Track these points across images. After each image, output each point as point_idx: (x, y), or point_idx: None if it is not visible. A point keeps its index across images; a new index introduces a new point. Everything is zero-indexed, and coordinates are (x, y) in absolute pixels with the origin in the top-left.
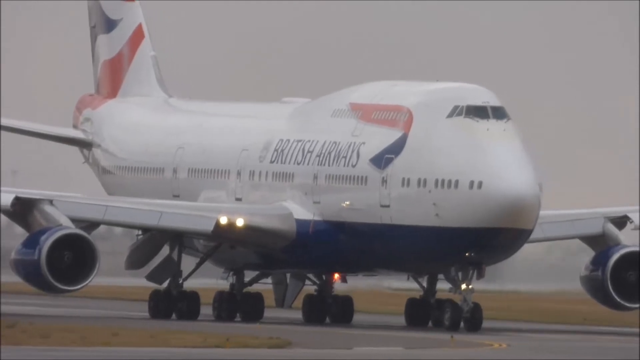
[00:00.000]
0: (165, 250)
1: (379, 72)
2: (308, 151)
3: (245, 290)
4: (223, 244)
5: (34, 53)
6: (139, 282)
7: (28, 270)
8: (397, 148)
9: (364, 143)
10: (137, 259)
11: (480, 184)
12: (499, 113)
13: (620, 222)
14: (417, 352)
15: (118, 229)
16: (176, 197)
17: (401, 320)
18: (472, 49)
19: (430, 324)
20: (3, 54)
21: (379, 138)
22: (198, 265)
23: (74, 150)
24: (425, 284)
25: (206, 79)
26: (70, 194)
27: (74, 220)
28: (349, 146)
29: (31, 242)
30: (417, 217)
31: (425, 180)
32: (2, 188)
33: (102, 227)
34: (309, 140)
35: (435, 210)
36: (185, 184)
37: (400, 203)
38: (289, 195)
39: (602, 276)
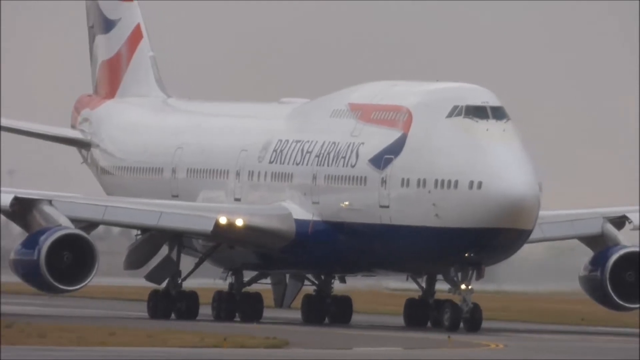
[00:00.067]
0: (164, 250)
1: (379, 72)
2: (307, 151)
3: (244, 290)
4: (222, 244)
5: (34, 53)
6: (138, 282)
7: (27, 271)
8: (396, 148)
9: (363, 143)
10: (136, 259)
11: (479, 184)
12: (498, 113)
13: (619, 222)
14: (416, 352)
15: (115, 229)
16: (175, 197)
17: (400, 320)
18: (472, 49)
19: (429, 324)
20: (3, 54)
21: (379, 138)
22: (197, 265)
23: (73, 150)
24: (424, 285)
25: (205, 79)
26: (69, 194)
27: (73, 221)
28: (348, 146)
29: (30, 243)
30: (416, 218)
31: (424, 181)
32: (1, 188)
33: (99, 227)
34: (308, 141)
35: (434, 211)
36: (184, 184)
37: (399, 203)
38: (288, 195)
39: (601, 276)
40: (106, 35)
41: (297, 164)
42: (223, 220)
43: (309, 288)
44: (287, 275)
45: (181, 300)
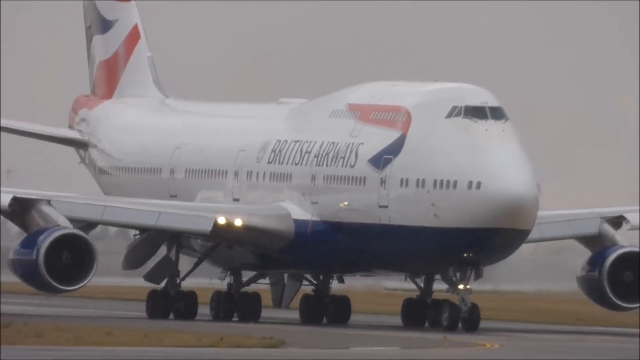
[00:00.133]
0: (162, 250)
1: (378, 73)
2: (306, 152)
3: (242, 290)
4: (221, 244)
5: (34, 53)
6: (135, 282)
7: (26, 270)
8: (395, 148)
9: (362, 143)
10: (134, 259)
11: (478, 185)
12: (497, 113)
13: (616, 222)
14: (414, 352)
15: (112, 229)
16: (173, 197)
17: (398, 320)
18: (472, 49)
19: (426, 324)
20: (3, 54)
21: (378, 138)
22: (196, 265)
23: (72, 150)
24: (421, 284)
25: (203, 80)
26: (68, 194)
27: (72, 220)
28: (347, 146)
29: (29, 242)
30: (415, 218)
31: (423, 181)
32: (0, 188)
33: (96, 227)
34: (306, 141)
35: (433, 211)
36: (182, 184)
37: (398, 203)
38: (287, 195)
39: (599, 276)
40: (104, 35)
41: (296, 164)
42: (222, 220)
43: (307, 288)
44: (286, 276)
45: (180, 300)
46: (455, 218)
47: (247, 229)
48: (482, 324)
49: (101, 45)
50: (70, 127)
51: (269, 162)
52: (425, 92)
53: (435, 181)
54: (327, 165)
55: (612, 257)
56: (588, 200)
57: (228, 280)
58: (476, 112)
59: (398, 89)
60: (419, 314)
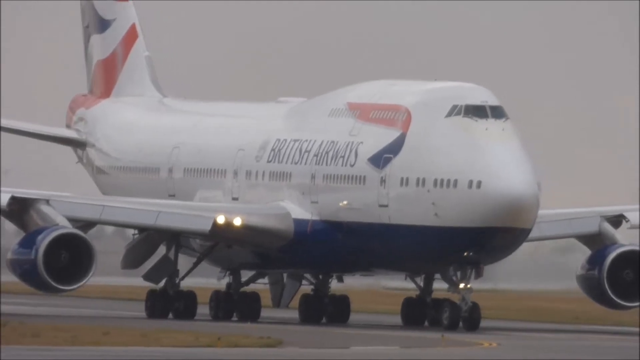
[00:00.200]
0: (161, 250)
1: (378, 72)
2: (305, 151)
3: (242, 289)
4: (220, 244)
5: (33, 53)
6: (132, 281)
7: (25, 270)
8: (395, 147)
9: (362, 142)
10: (133, 259)
11: (479, 184)
12: (497, 112)
13: (616, 221)
14: (413, 351)
15: (109, 228)
16: (172, 196)
17: (397, 319)
18: (472, 49)
19: (426, 323)
20: (2, 54)
21: (377, 137)
22: (195, 264)
23: (70, 150)
24: (421, 284)
25: (202, 79)
26: (66, 194)
27: (71, 220)
28: (347, 146)
29: (28, 242)
30: (416, 217)
31: (424, 180)
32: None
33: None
34: (306, 140)
35: (434, 210)
36: (181, 183)
37: (399, 202)
38: (286, 195)
39: (599, 275)
40: (101, 35)
41: (296, 164)
42: (221, 219)
43: (306, 288)
44: (285, 275)
45: (179, 300)
46: (455, 217)
47: (246, 228)
48: (481, 323)
49: (99, 45)
50: (68, 126)
51: (268, 161)
52: (425, 91)
53: (435, 180)
54: (326, 165)
55: (612, 255)
56: (588, 199)
57: (227, 280)
58: (476, 111)
59: (397, 87)
60: (419, 313)
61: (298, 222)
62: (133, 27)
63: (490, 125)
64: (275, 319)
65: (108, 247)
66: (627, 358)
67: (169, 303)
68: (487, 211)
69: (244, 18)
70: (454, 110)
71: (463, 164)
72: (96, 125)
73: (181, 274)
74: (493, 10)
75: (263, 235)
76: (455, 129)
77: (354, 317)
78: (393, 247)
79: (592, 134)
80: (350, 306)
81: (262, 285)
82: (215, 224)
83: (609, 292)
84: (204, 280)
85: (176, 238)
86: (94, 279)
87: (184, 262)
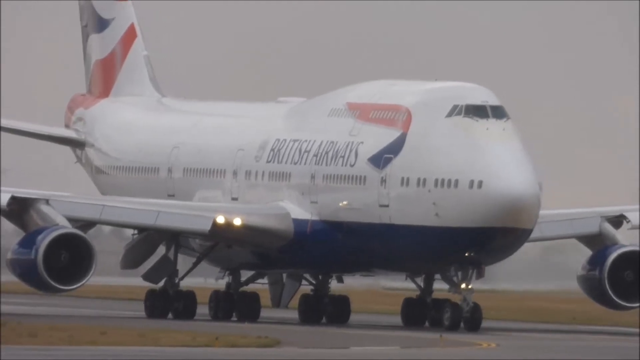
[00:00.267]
0: (161, 250)
1: (378, 72)
2: (305, 151)
3: (241, 289)
4: (219, 244)
5: (33, 53)
6: (131, 281)
7: (25, 270)
8: (396, 147)
9: (362, 142)
10: (133, 259)
11: (480, 184)
12: (498, 112)
13: (617, 221)
14: (413, 351)
15: (106, 228)
16: (171, 196)
17: (397, 320)
18: (472, 49)
19: (426, 323)
20: (2, 54)
21: (378, 137)
22: (194, 264)
23: (69, 149)
24: (421, 284)
25: (201, 79)
26: (65, 194)
27: (71, 220)
28: (347, 146)
29: (28, 242)
30: (416, 217)
31: (424, 180)
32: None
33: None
34: (305, 140)
35: (434, 210)
36: (180, 183)
37: (399, 203)
38: (286, 194)
39: (600, 275)
40: (100, 34)
41: (295, 164)
42: (221, 219)
43: (306, 288)
44: (284, 275)
45: (178, 300)
46: (456, 217)
47: (246, 228)
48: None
49: (97, 44)
50: (66, 126)
51: (268, 161)
52: (425, 91)
53: (436, 180)
54: (326, 165)
55: (613, 256)
56: (588, 199)
57: (227, 280)
58: (477, 111)
59: (397, 87)
60: (419, 313)
61: (298, 222)
62: (132, 26)
63: (491, 125)
64: (275, 319)
65: (105, 247)
66: (627, 358)
67: (169, 303)
68: (488, 211)
69: (243, 18)
70: (455, 110)
71: (464, 164)
72: (95, 125)
73: (181, 273)
74: (492, 10)
75: (263, 236)
76: (455, 129)
77: (353, 318)
78: (393, 247)
79: (592, 134)
80: (350, 306)
81: (261, 285)
82: (214, 224)
83: (610, 292)
84: (204, 280)
85: (176, 238)
86: (93, 279)
87: (183, 262)
